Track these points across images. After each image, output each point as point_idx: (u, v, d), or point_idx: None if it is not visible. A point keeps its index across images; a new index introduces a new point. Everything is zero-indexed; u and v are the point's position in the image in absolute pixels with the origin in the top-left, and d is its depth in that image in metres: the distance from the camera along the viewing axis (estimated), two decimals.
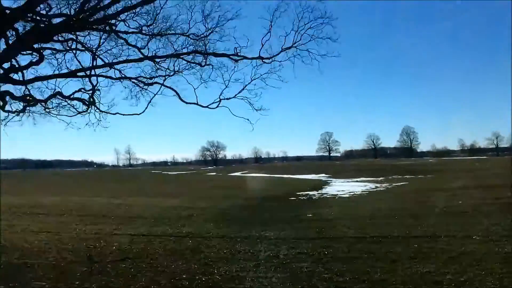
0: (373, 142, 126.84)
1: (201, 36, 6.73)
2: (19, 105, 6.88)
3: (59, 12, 5.48)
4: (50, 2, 5.49)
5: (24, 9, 4.56)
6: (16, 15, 4.49)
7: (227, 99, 6.82)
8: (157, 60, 6.64)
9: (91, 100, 6.81)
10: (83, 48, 6.51)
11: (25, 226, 12.77)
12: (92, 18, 5.02)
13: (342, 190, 29.68)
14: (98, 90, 7.13)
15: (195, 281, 6.91)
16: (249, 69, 7.23)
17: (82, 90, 6.75)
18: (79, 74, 6.07)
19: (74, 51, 6.31)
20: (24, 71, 5.30)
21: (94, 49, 6.37)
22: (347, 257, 8.34)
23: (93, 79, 6.77)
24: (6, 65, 4.78)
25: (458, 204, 16.00)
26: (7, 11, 4.45)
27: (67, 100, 6.47)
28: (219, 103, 6.91)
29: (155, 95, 6.75)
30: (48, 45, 5.69)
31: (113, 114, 7.26)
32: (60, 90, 6.22)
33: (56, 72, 5.92)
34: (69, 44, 6.53)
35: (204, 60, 6.86)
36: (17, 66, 5.01)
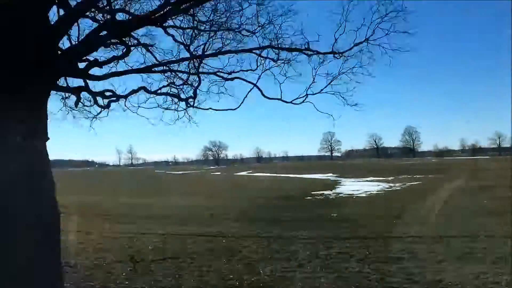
0: (375, 142, 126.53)
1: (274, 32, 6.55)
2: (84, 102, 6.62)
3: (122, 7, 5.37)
4: None
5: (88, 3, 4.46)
6: (81, 8, 4.39)
7: (313, 94, 6.63)
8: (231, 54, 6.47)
9: (192, 95, 6.65)
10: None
11: None
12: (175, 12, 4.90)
13: (357, 190, 29.52)
14: (190, 85, 6.83)
15: (245, 281, 6.82)
16: (317, 65, 6.93)
17: (171, 85, 6.63)
18: (155, 69, 5.92)
19: (148, 46, 6.13)
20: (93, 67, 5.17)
21: (185, 43, 6.17)
22: (390, 257, 8.22)
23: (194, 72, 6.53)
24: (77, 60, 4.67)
25: (483, 204, 15.85)
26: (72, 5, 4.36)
27: (153, 95, 6.33)
28: (305, 98, 6.72)
29: (250, 90, 6.53)
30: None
31: (205, 109, 7.03)
32: (144, 86, 6.09)
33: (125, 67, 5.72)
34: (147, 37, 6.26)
35: (277, 55, 6.73)
36: (99, 61, 4.89)
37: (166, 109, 7.06)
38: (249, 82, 6.74)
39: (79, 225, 13.09)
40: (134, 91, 5.85)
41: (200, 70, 6.64)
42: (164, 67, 6.04)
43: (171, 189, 36.19)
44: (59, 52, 4.49)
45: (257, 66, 6.77)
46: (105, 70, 5.20)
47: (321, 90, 6.80)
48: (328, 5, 7.66)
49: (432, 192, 22.69)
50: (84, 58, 4.95)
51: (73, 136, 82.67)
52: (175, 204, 20.62)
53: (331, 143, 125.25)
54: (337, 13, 6.40)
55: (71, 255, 8.59)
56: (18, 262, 3.86)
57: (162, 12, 4.59)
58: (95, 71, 5.04)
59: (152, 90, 6.21)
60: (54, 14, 4.49)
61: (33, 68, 3.97)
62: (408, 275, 6.88)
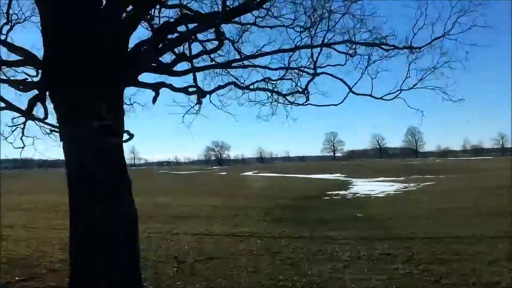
0: (378, 142, 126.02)
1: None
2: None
3: None
4: None
5: None
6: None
7: (407, 89, 6.43)
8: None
9: (305, 89, 6.49)
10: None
11: None
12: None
13: (372, 190, 29.32)
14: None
15: (296, 282, 6.71)
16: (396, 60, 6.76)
17: (266, 80, 6.50)
18: (234, 64, 5.79)
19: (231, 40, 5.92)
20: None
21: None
22: (436, 258, 8.07)
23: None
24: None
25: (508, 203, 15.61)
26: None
27: (246, 91, 6.21)
28: (398, 94, 6.55)
29: (354, 85, 6.38)
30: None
31: (304, 105, 6.85)
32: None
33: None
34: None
35: (354, 50, 6.58)
36: (188, 55, 4.77)
37: (263, 105, 6.93)
38: (337, 78, 6.56)
39: None
40: (221, 87, 5.73)
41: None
42: (247, 61, 5.88)
43: (184, 189, 36.12)
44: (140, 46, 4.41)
45: (345, 61, 6.56)
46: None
47: (414, 85, 6.53)
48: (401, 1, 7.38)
49: (453, 192, 22.49)
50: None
51: None
52: (196, 204, 20.53)
53: (333, 144, 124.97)
54: (410, 7, 6.22)
55: None
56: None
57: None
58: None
59: (243, 85, 6.07)
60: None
61: (112, 61, 3.90)
62: (462, 276, 6.73)
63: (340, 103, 6.88)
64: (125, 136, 4.38)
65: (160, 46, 4.54)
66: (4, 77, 5.84)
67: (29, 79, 5.83)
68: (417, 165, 65.59)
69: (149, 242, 10.18)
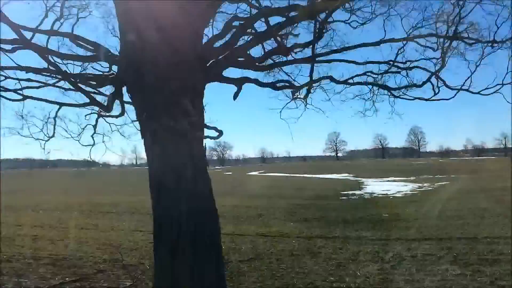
0: (380, 142, 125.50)
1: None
2: None
3: None
4: None
5: None
6: None
7: (508, 83, 6.20)
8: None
9: (426, 82, 6.33)
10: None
11: (113, 225, 12.71)
12: None
13: (388, 190, 29.14)
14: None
15: (349, 283, 6.64)
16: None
17: (367, 73, 6.38)
18: (318, 59, 5.59)
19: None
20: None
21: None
22: (482, 259, 7.95)
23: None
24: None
25: None
26: None
27: (345, 85, 6.08)
28: (499, 88, 6.34)
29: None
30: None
31: (410, 99, 6.61)
32: (331, 75, 5.83)
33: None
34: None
35: (437, 45, 6.42)
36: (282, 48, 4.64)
37: (363, 98, 6.77)
38: (429, 71, 6.40)
39: (132, 224, 13.06)
40: (313, 81, 5.58)
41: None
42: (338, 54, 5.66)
43: None
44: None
45: (441, 57, 6.37)
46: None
47: None
48: None
49: (473, 192, 22.25)
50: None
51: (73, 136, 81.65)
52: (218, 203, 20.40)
53: (336, 144, 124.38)
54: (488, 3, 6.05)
55: (147, 255, 8.50)
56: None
57: None
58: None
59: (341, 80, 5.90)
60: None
61: (195, 61, 3.84)
62: None
63: (452, 97, 6.64)
64: (214, 133, 4.32)
65: (250, 39, 4.46)
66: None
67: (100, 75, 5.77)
68: (423, 165, 65.13)
69: None
